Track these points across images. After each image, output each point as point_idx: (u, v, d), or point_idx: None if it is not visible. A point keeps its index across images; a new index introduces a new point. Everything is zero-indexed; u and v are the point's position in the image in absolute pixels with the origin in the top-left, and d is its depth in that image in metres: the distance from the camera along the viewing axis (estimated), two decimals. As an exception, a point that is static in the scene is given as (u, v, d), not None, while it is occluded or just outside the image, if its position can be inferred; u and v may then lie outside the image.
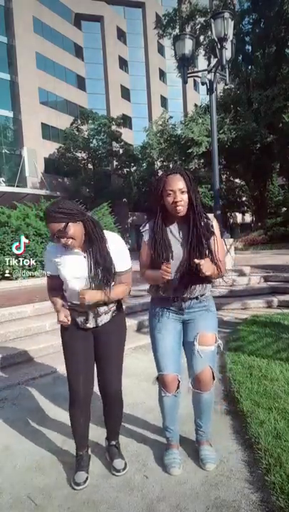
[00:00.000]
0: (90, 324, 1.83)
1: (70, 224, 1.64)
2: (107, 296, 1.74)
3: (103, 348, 1.87)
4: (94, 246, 1.73)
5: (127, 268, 1.84)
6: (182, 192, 1.65)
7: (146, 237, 1.79)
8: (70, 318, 1.75)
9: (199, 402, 1.88)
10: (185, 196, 1.66)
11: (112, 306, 1.87)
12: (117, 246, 1.80)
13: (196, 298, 1.79)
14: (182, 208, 1.66)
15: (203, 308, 1.83)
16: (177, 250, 1.72)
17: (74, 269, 1.75)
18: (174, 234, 1.75)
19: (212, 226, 1.73)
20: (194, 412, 1.95)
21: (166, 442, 1.99)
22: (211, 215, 1.78)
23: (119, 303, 1.91)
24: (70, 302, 1.84)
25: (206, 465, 1.84)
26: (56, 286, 1.87)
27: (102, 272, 1.72)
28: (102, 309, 1.82)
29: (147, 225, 1.81)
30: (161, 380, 1.84)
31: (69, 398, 1.88)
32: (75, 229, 1.66)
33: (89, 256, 1.73)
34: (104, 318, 1.84)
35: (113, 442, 1.98)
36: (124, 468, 1.86)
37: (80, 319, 1.83)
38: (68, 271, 1.76)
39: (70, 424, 1.91)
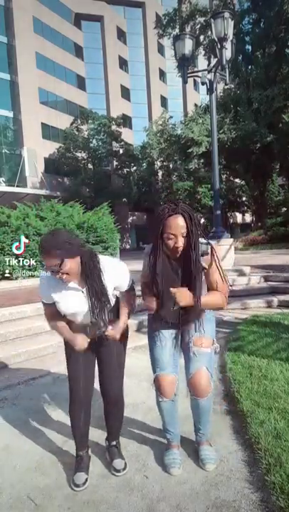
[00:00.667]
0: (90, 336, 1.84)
1: (65, 260, 1.58)
2: (125, 319, 1.85)
3: (104, 356, 1.88)
4: (91, 279, 1.69)
5: (129, 286, 1.87)
6: (183, 236, 1.59)
7: (146, 260, 1.77)
8: (86, 343, 1.78)
9: (197, 408, 1.85)
10: (184, 239, 1.60)
11: (112, 318, 1.85)
12: (117, 271, 1.78)
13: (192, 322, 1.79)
14: (180, 251, 1.62)
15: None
16: (172, 282, 1.68)
17: (72, 303, 1.74)
18: (169, 267, 1.71)
19: (209, 253, 1.69)
20: (193, 416, 1.93)
21: (166, 443, 1.99)
22: (210, 244, 1.71)
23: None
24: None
25: (205, 465, 1.84)
26: (55, 313, 1.82)
27: (100, 302, 1.72)
28: (102, 323, 1.79)
29: (150, 250, 1.76)
30: (157, 382, 1.82)
31: (69, 398, 1.88)
32: (71, 265, 1.61)
33: (87, 289, 1.71)
34: (103, 329, 1.84)
35: (113, 443, 1.98)
36: (124, 469, 1.86)
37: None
38: (66, 306, 1.75)
39: (70, 424, 1.91)
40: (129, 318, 1.90)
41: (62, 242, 1.58)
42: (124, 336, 1.94)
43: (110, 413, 1.95)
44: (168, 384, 1.80)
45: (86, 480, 1.79)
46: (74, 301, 1.74)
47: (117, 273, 1.78)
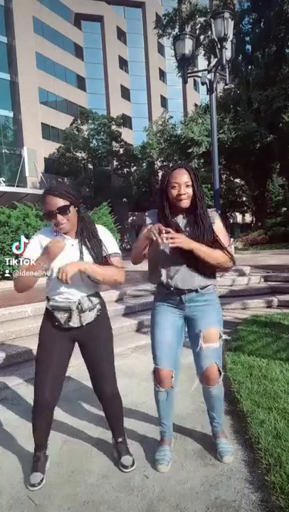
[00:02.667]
0: (74, 323, 1.77)
1: (71, 206, 1.67)
2: (96, 269, 1.69)
3: (93, 355, 1.84)
4: (85, 232, 1.76)
5: (118, 250, 1.85)
6: (187, 186, 1.71)
7: (148, 222, 1.83)
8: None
9: (210, 397, 1.92)
10: (189, 190, 1.72)
11: (96, 303, 1.83)
12: (105, 231, 1.86)
13: (196, 291, 1.80)
14: (186, 201, 1.72)
15: (205, 303, 1.84)
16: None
17: (65, 256, 1.70)
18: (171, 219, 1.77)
19: (213, 218, 1.81)
20: (206, 405, 1.99)
21: (159, 438, 2.00)
22: (211, 209, 1.85)
23: (102, 299, 1.89)
24: (51, 301, 1.82)
25: (223, 457, 1.87)
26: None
27: (95, 254, 1.74)
28: (85, 304, 1.77)
29: (151, 212, 1.87)
30: (156, 373, 1.86)
31: (33, 404, 1.82)
32: (73, 213, 1.69)
33: (81, 242, 1.76)
34: (88, 317, 1.79)
35: (120, 439, 1.97)
36: (132, 465, 1.86)
37: (63, 317, 1.77)
38: (59, 259, 1.70)
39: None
40: (98, 281, 1.76)
41: (69, 188, 1.70)
42: (109, 330, 1.92)
43: (109, 411, 1.94)
44: (164, 377, 1.84)
45: (42, 480, 1.78)
46: (67, 253, 1.71)
47: (105, 233, 1.85)
